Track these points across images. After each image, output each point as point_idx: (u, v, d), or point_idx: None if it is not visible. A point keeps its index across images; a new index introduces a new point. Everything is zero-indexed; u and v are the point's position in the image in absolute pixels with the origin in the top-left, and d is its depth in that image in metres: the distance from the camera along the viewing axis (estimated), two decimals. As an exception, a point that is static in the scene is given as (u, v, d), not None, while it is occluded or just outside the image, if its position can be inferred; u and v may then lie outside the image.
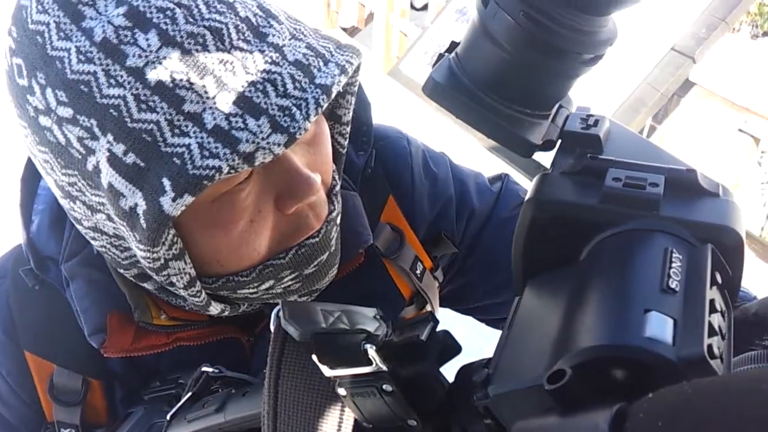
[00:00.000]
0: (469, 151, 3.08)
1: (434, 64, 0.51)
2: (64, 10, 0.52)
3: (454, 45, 0.52)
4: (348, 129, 0.70)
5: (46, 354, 0.73)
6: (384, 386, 0.41)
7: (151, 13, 0.51)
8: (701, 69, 2.51)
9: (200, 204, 0.55)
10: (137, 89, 0.51)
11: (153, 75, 0.51)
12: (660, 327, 0.35)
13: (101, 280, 0.68)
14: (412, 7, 4.67)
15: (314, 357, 0.42)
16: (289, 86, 0.53)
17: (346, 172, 0.75)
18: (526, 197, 0.46)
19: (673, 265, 0.39)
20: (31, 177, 0.74)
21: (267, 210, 0.60)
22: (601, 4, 0.45)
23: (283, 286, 0.66)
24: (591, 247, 0.43)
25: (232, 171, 0.51)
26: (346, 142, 0.71)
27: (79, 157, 0.54)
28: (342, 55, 0.57)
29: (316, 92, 0.53)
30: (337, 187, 0.67)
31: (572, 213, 0.44)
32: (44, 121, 0.54)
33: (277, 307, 0.47)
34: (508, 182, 0.88)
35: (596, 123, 0.49)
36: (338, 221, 0.67)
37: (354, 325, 0.44)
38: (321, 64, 0.55)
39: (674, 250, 0.40)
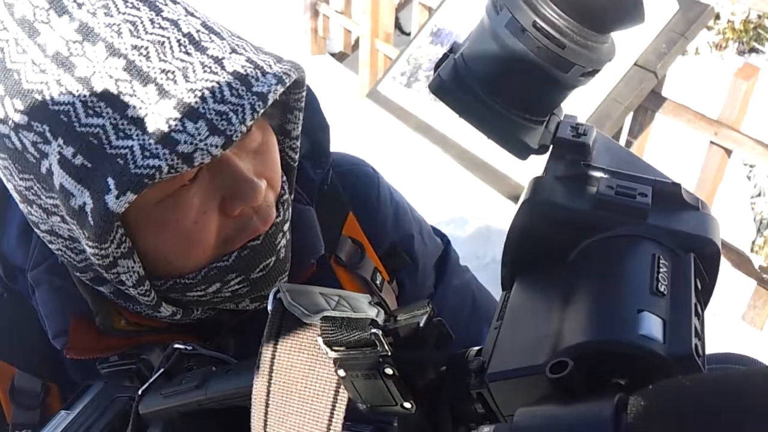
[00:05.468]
0: (446, 170, 3.16)
1: (438, 63, 0.53)
2: (21, 27, 0.57)
3: (456, 46, 0.54)
4: (298, 143, 0.74)
5: (7, 357, 0.75)
6: (386, 369, 0.43)
7: (99, 28, 0.56)
8: (672, 84, 2.64)
9: (147, 204, 0.59)
10: (85, 96, 0.55)
11: (99, 83, 0.55)
12: (652, 326, 0.38)
13: (64, 287, 0.71)
14: (402, 32, 4.68)
15: (320, 339, 0.44)
16: (227, 93, 0.57)
17: (303, 188, 0.79)
18: (522, 198, 0.48)
19: (661, 270, 0.42)
20: (2, 192, 0.76)
21: (212, 212, 0.63)
22: (605, 22, 0.48)
23: (230, 289, 0.68)
24: (581, 249, 0.46)
25: (173, 171, 0.55)
26: (297, 156, 0.75)
27: (34, 161, 0.58)
28: (281, 67, 0.61)
29: (253, 99, 0.57)
30: (286, 196, 0.70)
31: (565, 216, 0.47)
32: (3, 128, 0.58)
33: (275, 289, 0.48)
34: (451, 247, 0.96)
35: (585, 132, 0.53)
36: (286, 229, 0.70)
37: (355, 310, 0.46)
38: (259, 74, 0.59)
39: (661, 257, 0.43)
